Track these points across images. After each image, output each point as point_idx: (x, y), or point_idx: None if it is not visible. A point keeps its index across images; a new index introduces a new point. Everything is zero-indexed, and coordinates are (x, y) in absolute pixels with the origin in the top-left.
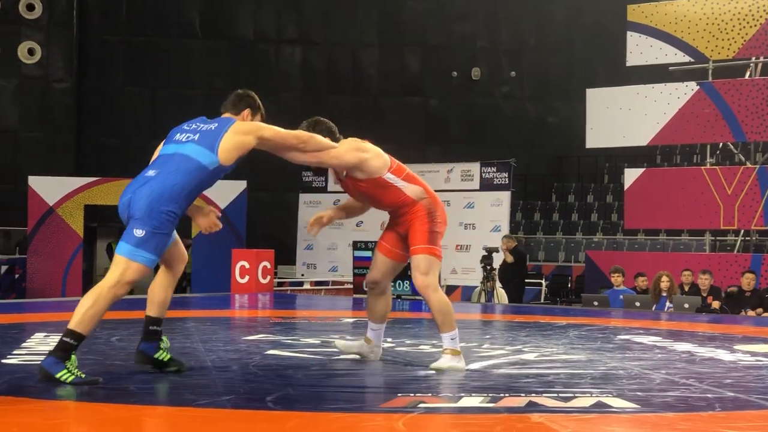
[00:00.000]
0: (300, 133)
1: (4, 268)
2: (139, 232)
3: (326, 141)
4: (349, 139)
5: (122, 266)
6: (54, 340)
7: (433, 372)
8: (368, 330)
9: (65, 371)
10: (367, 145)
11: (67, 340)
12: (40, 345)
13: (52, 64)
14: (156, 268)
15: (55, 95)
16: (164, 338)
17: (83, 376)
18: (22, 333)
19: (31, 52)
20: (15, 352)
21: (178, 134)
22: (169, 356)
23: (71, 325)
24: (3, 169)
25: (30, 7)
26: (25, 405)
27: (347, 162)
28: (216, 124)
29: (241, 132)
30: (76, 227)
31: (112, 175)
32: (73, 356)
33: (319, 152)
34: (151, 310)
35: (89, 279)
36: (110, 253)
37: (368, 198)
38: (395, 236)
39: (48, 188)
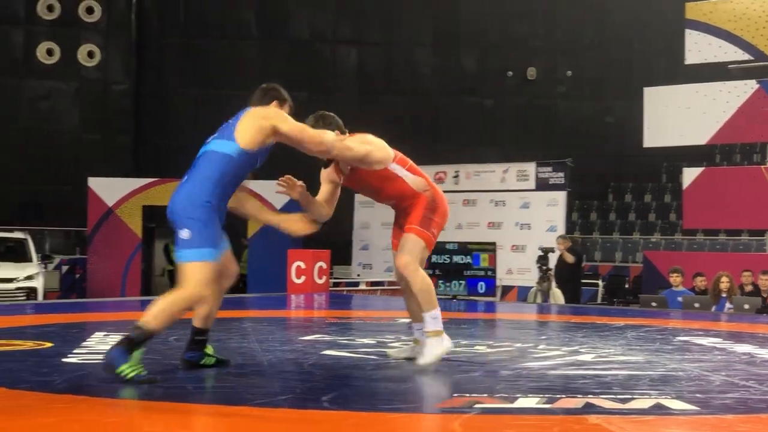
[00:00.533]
0: (314, 134)
1: (65, 268)
2: (185, 234)
3: (334, 136)
4: (356, 134)
5: (187, 271)
6: (113, 339)
7: (491, 372)
8: (414, 332)
9: (126, 366)
10: (372, 137)
11: (135, 335)
12: (99, 344)
13: (110, 66)
14: None
15: (113, 97)
16: (209, 346)
17: (143, 373)
18: (82, 332)
19: (90, 54)
20: (75, 351)
21: (210, 138)
22: (213, 360)
23: (141, 322)
24: (63, 170)
25: (89, 11)
26: (84, 403)
27: (357, 153)
28: (233, 118)
29: (258, 116)
30: (135, 228)
31: (169, 176)
32: (137, 352)
33: (332, 145)
34: (197, 322)
35: (148, 279)
36: (167, 253)
37: (373, 191)
38: (401, 231)
39: (107, 189)
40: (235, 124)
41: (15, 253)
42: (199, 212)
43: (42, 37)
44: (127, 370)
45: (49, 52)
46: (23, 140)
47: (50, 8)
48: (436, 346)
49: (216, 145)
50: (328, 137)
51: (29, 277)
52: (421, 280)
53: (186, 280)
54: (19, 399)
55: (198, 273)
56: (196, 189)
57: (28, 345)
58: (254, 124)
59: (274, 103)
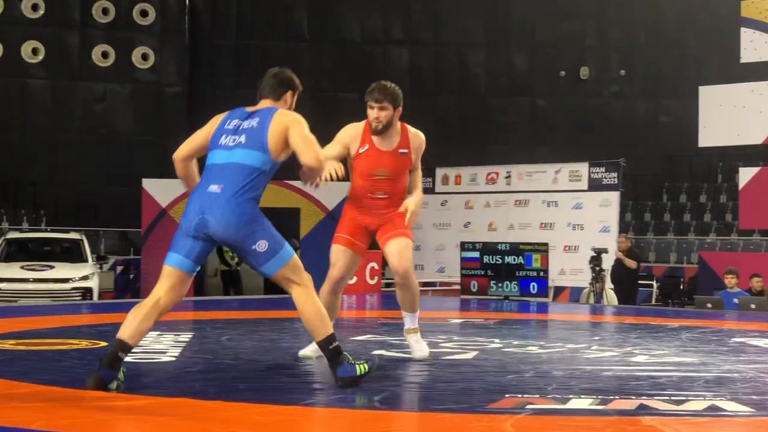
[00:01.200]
0: (318, 152)
1: (119, 268)
2: (261, 246)
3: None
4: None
5: (289, 273)
6: (167, 338)
7: (543, 373)
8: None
9: (357, 365)
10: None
11: (332, 346)
12: (153, 343)
13: (164, 68)
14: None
15: (167, 99)
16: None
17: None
18: None
19: (144, 57)
20: None
21: (223, 137)
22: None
23: (325, 334)
24: (118, 171)
25: (144, 14)
26: (137, 401)
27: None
28: (257, 119)
29: (286, 123)
30: None
31: None
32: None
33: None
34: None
35: (200, 279)
36: (221, 254)
37: (396, 176)
38: (363, 229)
39: (161, 190)
40: (265, 131)
41: (71, 253)
42: (258, 222)
43: (97, 40)
44: (360, 367)
45: (104, 55)
46: (79, 142)
47: (105, 11)
48: (421, 341)
49: (244, 156)
50: (322, 154)
51: (85, 278)
52: (417, 285)
53: (300, 277)
54: (75, 397)
55: (297, 266)
56: (240, 206)
57: (83, 344)
58: (282, 134)
59: (289, 93)
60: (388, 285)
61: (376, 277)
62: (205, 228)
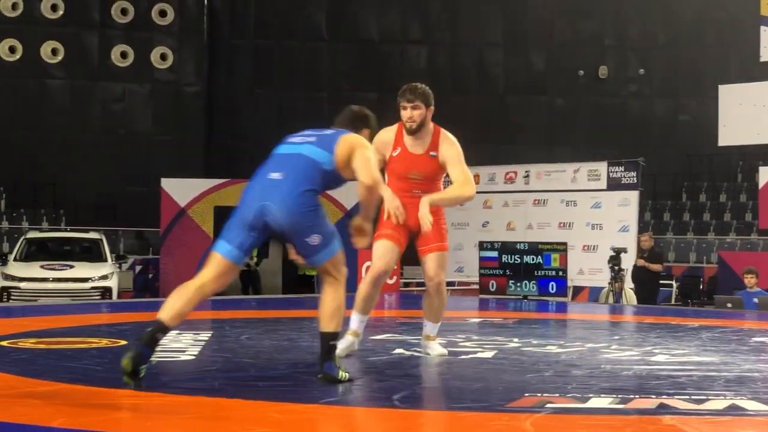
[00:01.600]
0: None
1: (138, 268)
2: (314, 239)
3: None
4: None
5: (336, 264)
6: (185, 337)
7: (562, 372)
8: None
9: (341, 370)
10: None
11: (331, 343)
12: (172, 342)
13: (183, 68)
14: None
15: (186, 99)
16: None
17: (347, 374)
18: None
19: (163, 57)
20: None
21: (291, 138)
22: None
23: (332, 328)
24: (137, 171)
25: (162, 14)
26: (157, 399)
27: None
28: (331, 132)
29: (357, 144)
30: (207, 228)
31: (240, 177)
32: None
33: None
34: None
35: None
36: None
37: (431, 178)
38: (403, 226)
39: (179, 190)
40: (336, 138)
41: (90, 253)
42: (318, 216)
43: (116, 40)
44: (342, 374)
45: (123, 55)
46: (98, 142)
47: (124, 12)
48: (438, 345)
49: (310, 150)
50: (378, 175)
51: (104, 277)
52: (446, 297)
53: (335, 270)
54: (95, 395)
55: (340, 260)
56: (301, 195)
57: (103, 343)
58: (349, 150)
59: (367, 131)
60: (406, 285)
61: (395, 277)
62: (264, 215)
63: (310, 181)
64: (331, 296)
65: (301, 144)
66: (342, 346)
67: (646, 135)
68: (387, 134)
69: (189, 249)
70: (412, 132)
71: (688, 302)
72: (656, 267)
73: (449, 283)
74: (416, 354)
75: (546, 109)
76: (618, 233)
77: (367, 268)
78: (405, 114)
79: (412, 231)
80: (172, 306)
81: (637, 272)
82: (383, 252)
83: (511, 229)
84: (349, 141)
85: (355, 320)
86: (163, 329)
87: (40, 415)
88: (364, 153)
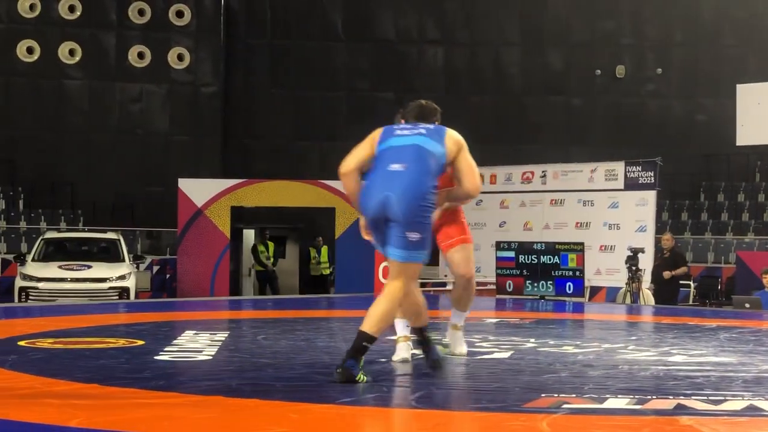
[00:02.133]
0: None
1: (155, 268)
2: (414, 236)
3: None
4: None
5: (409, 270)
6: (202, 337)
7: (579, 372)
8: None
9: (361, 373)
10: None
11: (365, 344)
12: (189, 342)
13: (200, 69)
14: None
15: (203, 99)
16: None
17: (366, 378)
18: (173, 330)
19: (180, 57)
20: (166, 348)
21: (397, 131)
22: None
23: (366, 328)
24: (154, 171)
25: (179, 14)
26: (175, 399)
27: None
28: (431, 126)
29: (457, 141)
30: (224, 228)
31: (257, 177)
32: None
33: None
34: (415, 321)
35: (236, 279)
36: (255, 254)
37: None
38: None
39: (196, 190)
40: (443, 132)
41: (108, 253)
42: (425, 216)
43: (133, 40)
44: (361, 376)
45: (140, 56)
46: (115, 142)
47: (141, 12)
48: (462, 340)
49: (426, 142)
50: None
51: (121, 277)
52: (475, 289)
53: (404, 279)
54: (112, 395)
55: (414, 273)
56: (423, 189)
57: (120, 343)
58: (456, 148)
59: (436, 122)
60: (422, 285)
61: None
62: (386, 207)
63: (431, 174)
64: (387, 298)
65: (413, 136)
66: (401, 355)
67: (664, 135)
68: None
69: (206, 249)
70: None
71: (705, 303)
72: (681, 271)
73: None
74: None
75: (563, 109)
76: (635, 233)
77: (384, 269)
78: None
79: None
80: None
81: (658, 273)
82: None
83: (528, 229)
84: (455, 138)
85: (401, 325)
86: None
87: (57, 415)
88: (468, 158)
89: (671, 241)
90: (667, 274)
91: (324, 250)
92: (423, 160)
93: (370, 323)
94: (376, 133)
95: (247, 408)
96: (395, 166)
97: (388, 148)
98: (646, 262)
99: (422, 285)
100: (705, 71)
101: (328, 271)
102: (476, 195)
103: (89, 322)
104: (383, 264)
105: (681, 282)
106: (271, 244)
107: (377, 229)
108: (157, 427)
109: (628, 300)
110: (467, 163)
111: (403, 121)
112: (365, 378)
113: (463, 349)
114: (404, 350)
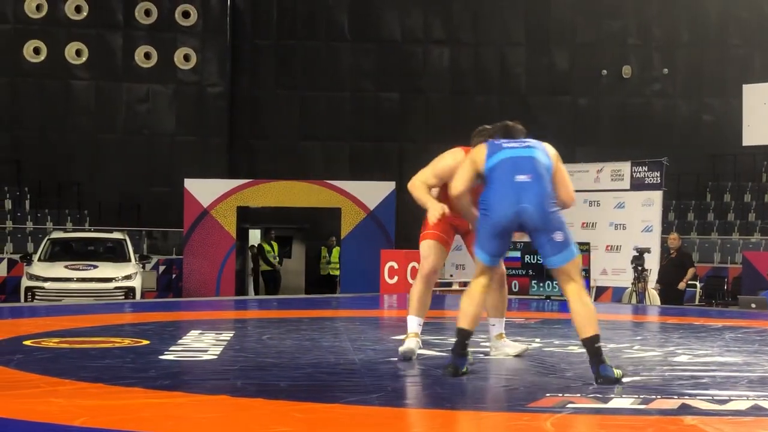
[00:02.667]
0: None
1: (161, 268)
2: (558, 236)
3: None
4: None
5: (572, 270)
6: (208, 337)
7: (582, 372)
8: (491, 327)
9: (614, 369)
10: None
11: (599, 345)
12: (195, 342)
13: (206, 69)
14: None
15: (209, 99)
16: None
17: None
18: (179, 330)
19: (186, 58)
20: (171, 348)
21: (504, 143)
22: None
23: (593, 332)
24: (160, 171)
25: (186, 15)
26: (180, 398)
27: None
28: (533, 140)
29: (559, 159)
30: (230, 228)
31: (263, 177)
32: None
33: None
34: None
35: (242, 279)
36: (263, 254)
37: (476, 189)
38: (452, 228)
39: (202, 190)
40: (543, 147)
41: (114, 253)
42: (560, 217)
43: (140, 41)
44: (617, 371)
45: (147, 56)
46: (122, 142)
47: (147, 13)
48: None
49: (539, 154)
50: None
51: (127, 277)
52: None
53: (576, 275)
54: (117, 394)
55: (579, 265)
56: (550, 196)
57: (126, 342)
58: (555, 159)
59: None
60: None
61: None
62: (520, 217)
63: (549, 184)
64: (579, 303)
65: (525, 149)
66: (409, 346)
67: (670, 135)
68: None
69: (212, 249)
70: None
71: (711, 303)
72: (691, 274)
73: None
74: (438, 354)
75: (569, 109)
76: (641, 233)
77: (389, 269)
78: None
79: (458, 230)
80: (465, 312)
81: (666, 272)
82: (429, 252)
83: None
84: (554, 152)
85: (413, 322)
86: (467, 335)
87: (62, 414)
88: (564, 170)
89: (678, 241)
90: (682, 285)
91: (336, 251)
92: (543, 171)
93: (584, 329)
94: (477, 153)
95: (252, 407)
96: (521, 177)
97: (505, 160)
98: (652, 263)
99: None
100: (711, 71)
101: (337, 272)
102: (572, 205)
103: (95, 322)
104: (389, 264)
105: (688, 282)
106: (275, 244)
107: (503, 237)
108: (162, 426)
109: (633, 300)
110: (563, 174)
111: (482, 141)
112: (620, 372)
113: (518, 348)
114: (413, 343)
